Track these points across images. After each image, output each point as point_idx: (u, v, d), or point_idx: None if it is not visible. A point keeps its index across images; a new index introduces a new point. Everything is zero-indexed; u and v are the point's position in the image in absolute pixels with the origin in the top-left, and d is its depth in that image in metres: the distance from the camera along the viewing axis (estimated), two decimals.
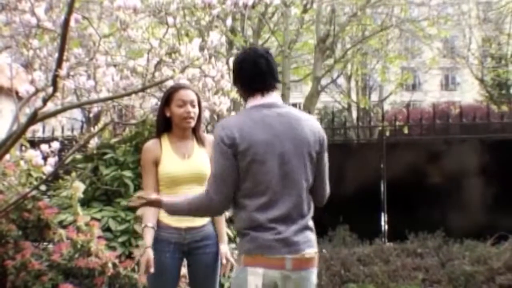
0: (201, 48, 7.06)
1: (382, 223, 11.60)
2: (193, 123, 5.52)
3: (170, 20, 6.73)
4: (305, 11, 18.03)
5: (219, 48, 16.19)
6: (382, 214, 11.55)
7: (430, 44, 22.45)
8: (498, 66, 29.25)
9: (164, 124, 5.59)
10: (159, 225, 5.20)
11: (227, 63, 7.66)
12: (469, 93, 39.07)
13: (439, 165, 11.44)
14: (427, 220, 10.90)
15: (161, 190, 5.36)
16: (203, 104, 7.62)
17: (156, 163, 5.43)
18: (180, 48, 6.88)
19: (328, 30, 17.89)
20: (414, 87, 47.57)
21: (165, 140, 5.55)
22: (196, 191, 4.70)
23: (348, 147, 12.70)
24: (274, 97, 4.16)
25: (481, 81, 30.69)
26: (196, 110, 5.55)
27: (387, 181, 11.54)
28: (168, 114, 5.52)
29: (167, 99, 5.59)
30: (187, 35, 7.18)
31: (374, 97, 35.69)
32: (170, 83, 7.13)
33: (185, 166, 5.40)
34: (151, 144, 5.60)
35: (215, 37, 6.98)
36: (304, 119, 4.11)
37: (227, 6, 6.58)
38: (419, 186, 11.16)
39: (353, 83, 31.41)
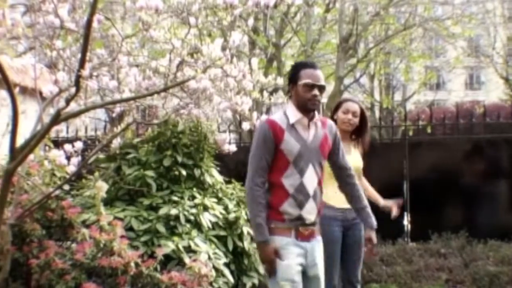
0: (223, 48, 7.10)
1: (405, 223, 11.58)
2: (350, 128, 6.93)
3: (192, 20, 6.77)
4: (327, 10, 18.04)
5: (242, 48, 16.23)
6: (405, 213, 11.52)
7: (454, 43, 22.38)
8: None
9: None
10: (325, 205, 5.88)
11: (249, 63, 7.70)
12: (494, 92, 38.82)
13: (462, 165, 11.40)
14: (451, 220, 10.88)
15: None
16: (224, 104, 7.69)
17: None
18: (202, 48, 6.91)
19: (350, 29, 17.85)
20: (438, 87, 47.37)
21: None
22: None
23: (370, 147, 12.65)
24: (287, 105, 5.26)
25: (506, 80, 30.50)
26: (357, 120, 6.95)
27: (410, 181, 11.52)
28: (335, 118, 6.86)
29: (337, 106, 7.05)
30: (209, 35, 7.21)
31: (398, 96, 35.48)
32: (192, 83, 7.20)
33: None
34: None
35: (237, 37, 7.01)
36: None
37: (249, 6, 6.60)
38: (442, 186, 11.12)
39: (376, 82, 31.26)
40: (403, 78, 28.09)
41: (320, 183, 5.02)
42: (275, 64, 17.88)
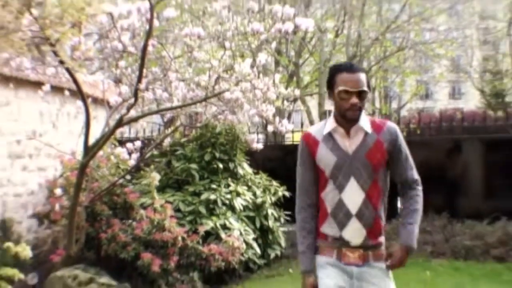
0: (252, 66, 7.09)
1: (399, 205, 11.48)
2: None
3: (227, 44, 6.77)
4: (337, 36, 17.94)
5: (268, 66, 16.18)
6: (399, 199, 11.42)
7: (439, 62, 22.17)
8: (495, 79, 28.81)
9: None
10: None
11: (273, 78, 7.68)
12: (472, 101, 38.50)
13: (445, 160, 11.28)
14: (435, 204, 10.76)
15: None
16: (253, 111, 7.67)
17: None
18: (234, 66, 6.91)
19: (355, 51, 17.77)
20: (426, 97, 46.79)
21: None
22: None
23: None
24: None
25: (481, 91, 30.22)
26: None
27: None
28: None
29: None
30: (242, 56, 7.21)
31: (394, 104, 35.17)
32: (227, 94, 7.19)
33: None
34: None
35: (263, 57, 7.00)
36: None
37: (272, 33, 6.58)
38: (428, 177, 10.95)
39: (376, 93, 30.96)
40: (398, 90, 27.90)
41: (371, 199, 3.44)
42: (295, 79, 17.80)
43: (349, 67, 3.40)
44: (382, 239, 3.53)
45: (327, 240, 3.49)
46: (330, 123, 3.51)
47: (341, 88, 3.35)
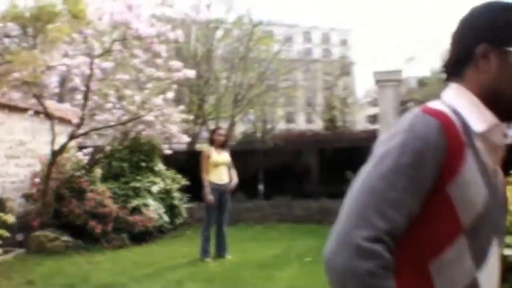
0: (164, 100, 7.62)
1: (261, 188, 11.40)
2: (222, 142, 6.40)
3: (146, 85, 7.29)
4: (228, 81, 18.47)
5: (184, 100, 16.40)
6: (261, 184, 11.26)
7: (297, 100, 22.70)
8: (330, 111, 30.14)
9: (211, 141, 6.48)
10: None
11: (179, 108, 8.18)
12: (319, 125, 39.92)
13: (295, 160, 11.46)
14: (286, 189, 10.72)
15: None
16: (163, 129, 8.06)
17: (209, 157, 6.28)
18: (150, 99, 7.41)
19: (239, 91, 18.47)
20: (291, 121, 47.73)
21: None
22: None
23: (247, 152, 12.43)
24: (445, 93, 1.01)
25: (323, 119, 31.55)
26: (224, 138, 6.43)
27: (264, 171, 11.34)
28: (213, 138, 6.47)
29: (214, 131, 6.56)
30: (163, 92, 7.60)
31: (269, 126, 36.00)
32: (146, 118, 7.65)
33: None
34: (206, 149, 6.47)
35: (170, 94, 7.56)
36: None
37: (173, 78, 7.16)
38: (284, 171, 10.86)
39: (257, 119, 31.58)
40: (271, 116, 28.60)
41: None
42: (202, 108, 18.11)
43: None
44: None
45: None
46: (480, 112, 0.96)
47: None
